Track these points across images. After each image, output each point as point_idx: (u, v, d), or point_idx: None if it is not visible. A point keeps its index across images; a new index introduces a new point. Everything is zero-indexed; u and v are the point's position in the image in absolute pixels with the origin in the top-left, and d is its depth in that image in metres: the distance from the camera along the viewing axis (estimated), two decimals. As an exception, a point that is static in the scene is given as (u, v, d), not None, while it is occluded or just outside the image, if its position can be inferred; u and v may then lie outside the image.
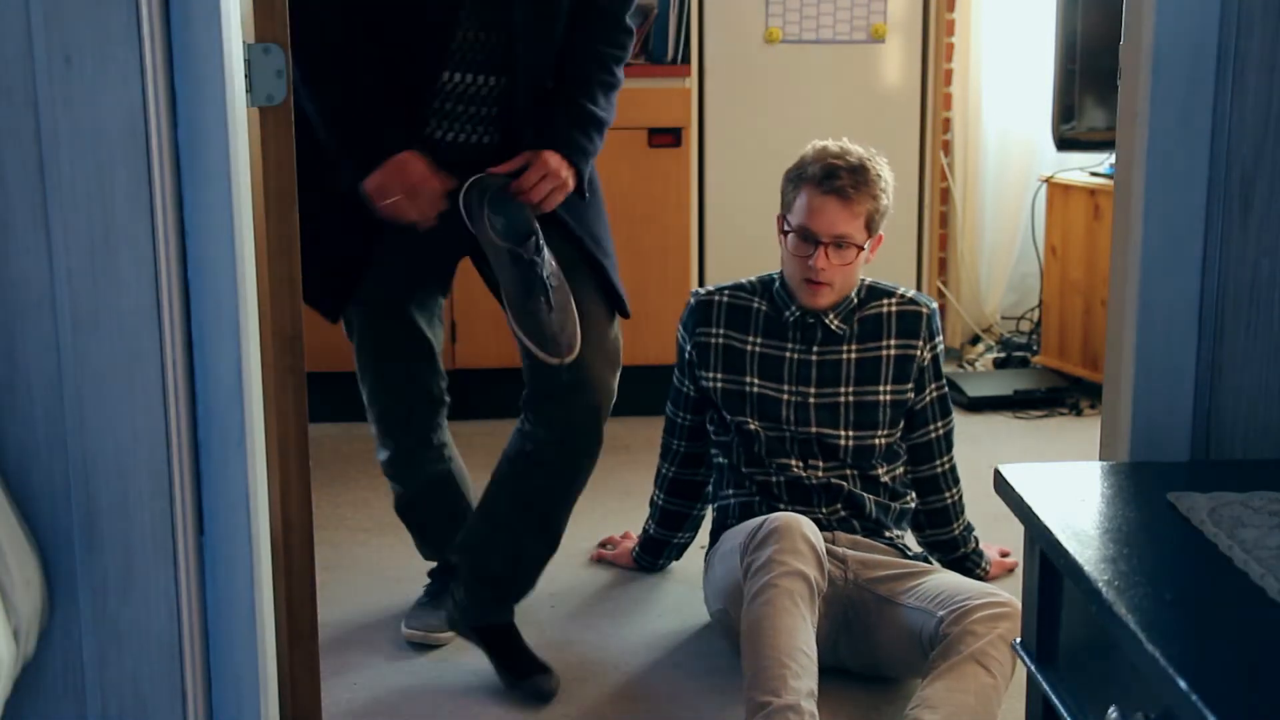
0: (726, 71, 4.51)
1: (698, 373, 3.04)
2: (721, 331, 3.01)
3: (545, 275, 2.58)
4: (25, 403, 1.82)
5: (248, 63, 1.97)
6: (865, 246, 2.91)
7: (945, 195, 5.12)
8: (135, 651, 1.90)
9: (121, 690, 1.91)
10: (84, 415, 1.83)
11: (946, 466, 3.08)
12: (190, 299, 1.88)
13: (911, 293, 3.04)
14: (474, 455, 3.28)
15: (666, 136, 4.36)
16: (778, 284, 3.01)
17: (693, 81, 4.41)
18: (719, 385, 3.00)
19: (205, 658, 1.95)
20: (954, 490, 3.10)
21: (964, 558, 3.13)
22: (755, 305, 3.02)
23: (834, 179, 2.87)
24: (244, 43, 1.94)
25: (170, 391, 1.85)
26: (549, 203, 2.67)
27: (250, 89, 1.98)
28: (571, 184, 2.71)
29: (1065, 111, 4.49)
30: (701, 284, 4.52)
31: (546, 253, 2.61)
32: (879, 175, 2.92)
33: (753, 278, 3.07)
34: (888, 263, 4.65)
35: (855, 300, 2.99)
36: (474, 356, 4.36)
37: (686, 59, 4.41)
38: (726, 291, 3.05)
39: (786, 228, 2.94)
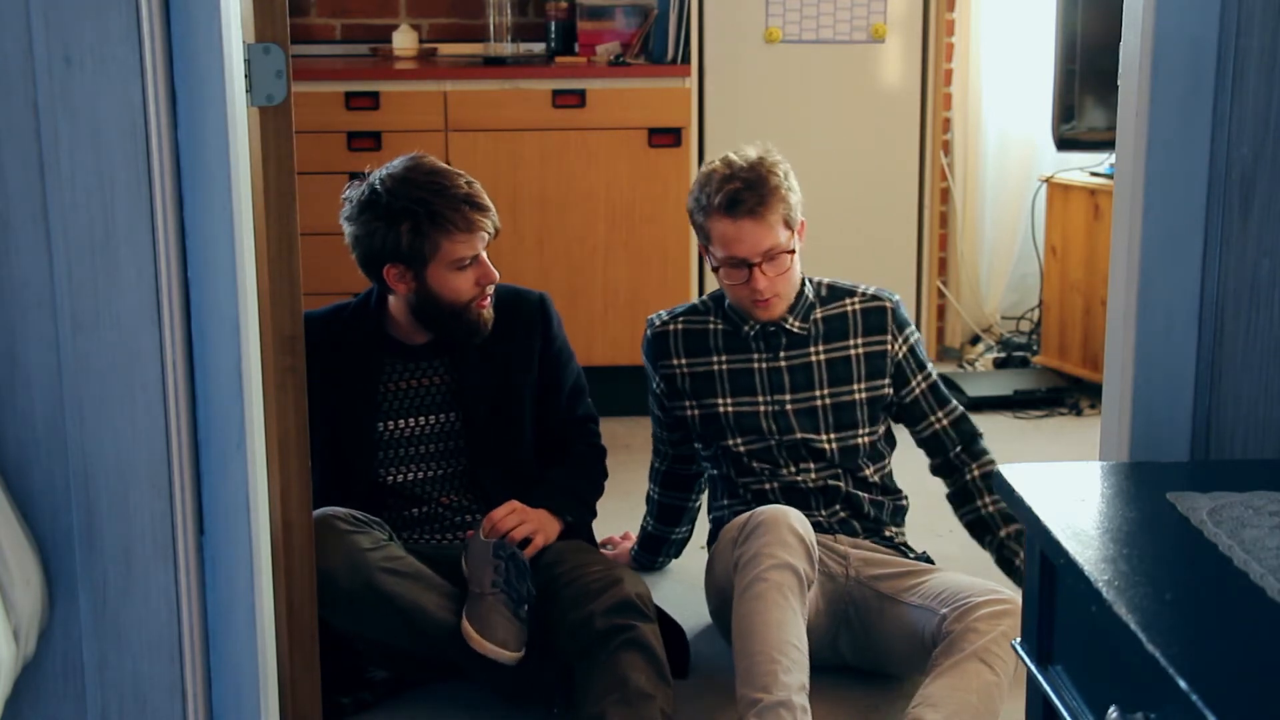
0: (726, 71, 4.51)
1: (668, 404, 3.04)
2: (683, 361, 2.99)
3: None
4: (25, 403, 1.82)
5: (248, 63, 1.97)
6: (793, 246, 2.90)
7: (945, 195, 5.11)
8: (135, 651, 1.90)
9: (121, 690, 1.91)
10: (84, 415, 1.83)
11: (957, 449, 3.00)
12: (190, 299, 1.88)
13: (873, 289, 3.03)
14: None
15: (666, 136, 4.36)
16: (729, 300, 2.99)
17: (693, 81, 4.40)
18: (694, 414, 2.99)
19: (205, 658, 1.95)
20: (972, 469, 3.00)
21: (1005, 542, 2.97)
22: (711, 325, 2.99)
23: (739, 204, 2.82)
24: (244, 43, 1.95)
25: (170, 391, 1.86)
26: (531, 544, 2.83)
27: (250, 89, 1.98)
28: (549, 534, 2.88)
29: (1065, 111, 4.48)
30: (702, 284, 4.51)
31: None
32: (778, 176, 2.86)
33: (704, 297, 3.05)
34: (888, 262, 4.66)
35: (812, 298, 2.97)
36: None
37: (686, 59, 4.41)
38: (680, 318, 3.02)
39: (714, 262, 2.90)
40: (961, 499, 3.03)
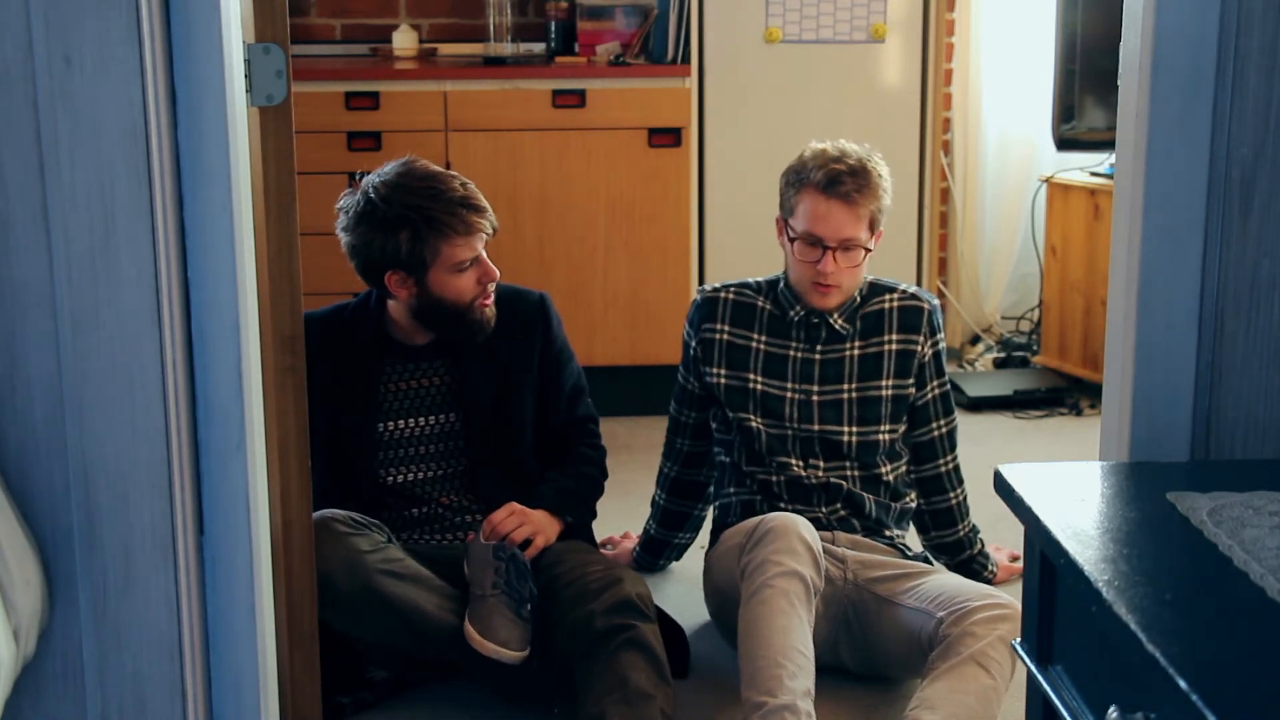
0: (726, 71, 4.51)
1: (702, 368, 3.04)
2: (726, 328, 3.01)
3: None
4: (25, 403, 1.82)
5: (248, 63, 1.97)
6: (870, 246, 2.92)
7: (945, 195, 5.11)
8: (135, 651, 1.90)
9: (121, 690, 1.91)
10: (84, 415, 1.83)
11: (950, 466, 3.08)
12: (190, 299, 1.88)
13: (914, 289, 3.05)
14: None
15: (666, 136, 4.36)
16: (782, 284, 3.01)
17: (693, 81, 4.40)
18: (722, 381, 3.00)
19: (205, 658, 1.95)
20: (958, 490, 3.09)
21: (970, 560, 3.12)
22: (760, 304, 3.02)
23: (838, 184, 2.86)
24: (244, 43, 1.95)
25: (170, 391, 1.85)
26: (531, 546, 2.83)
27: (250, 89, 1.98)
28: (549, 535, 2.88)
29: (1065, 111, 4.48)
30: (702, 284, 4.51)
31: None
32: (879, 175, 2.92)
33: (759, 278, 3.07)
34: (888, 262, 4.65)
35: (858, 298, 2.99)
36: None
37: (686, 59, 4.41)
38: (732, 289, 3.05)
39: (792, 234, 2.93)
40: (944, 520, 3.11)
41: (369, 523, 2.76)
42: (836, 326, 2.97)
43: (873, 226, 2.91)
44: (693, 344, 3.06)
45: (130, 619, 1.89)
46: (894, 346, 2.98)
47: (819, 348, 2.98)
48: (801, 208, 2.90)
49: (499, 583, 2.67)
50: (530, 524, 2.82)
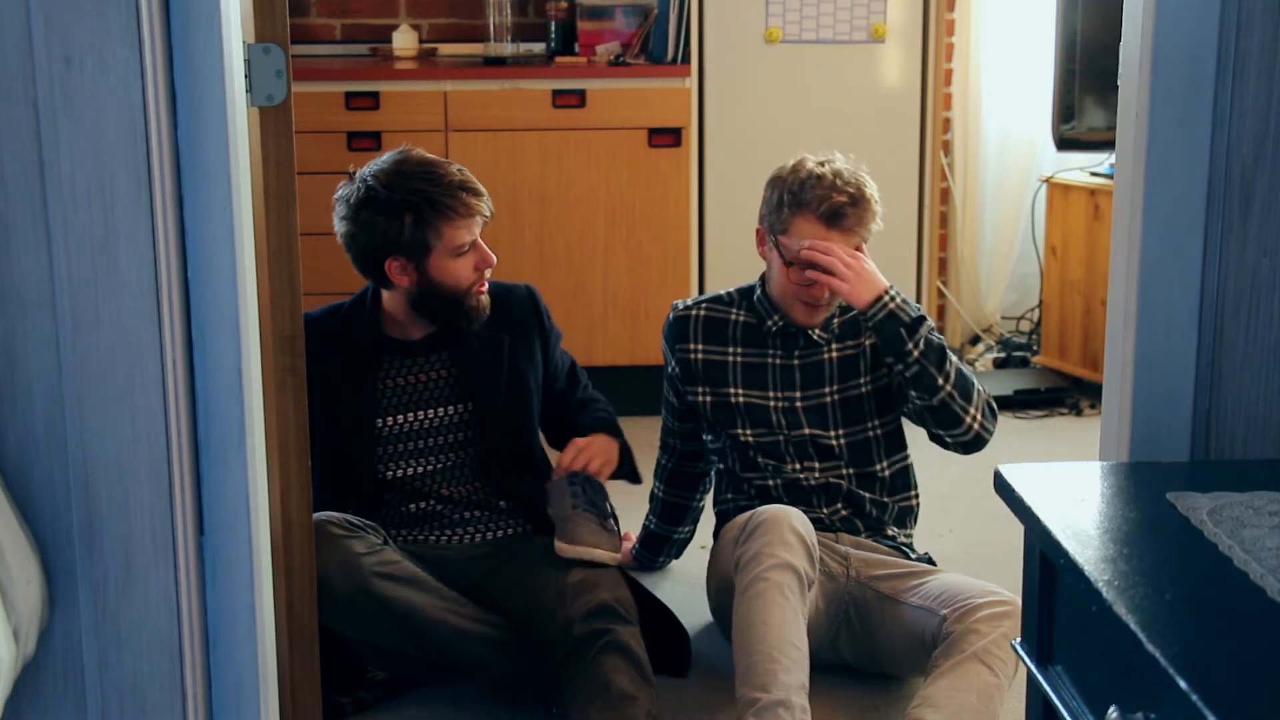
0: (726, 71, 4.51)
1: (683, 388, 3.04)
2: (700, 347, 3.01)
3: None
4: (25, 403, 1.82)
5: (248, 63, 1.97)
6: None
7: (945, 195, 5.12)
8: (135, 651, 1.90)
9: (121, 690, 1.91)
10: (84, 415, 1.83)
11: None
12: (190, 299, 1.88)
13: None
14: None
15: (666, 136, 4.36)
16: (759, 293, 3.00)
17: (693, 81, 4.41)
18: (705, 400, 3.00)
19: (205, 658, 1.95)
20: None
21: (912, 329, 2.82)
22: (733, 316, 3.00)
23: (840, 217, 2.84)
24: (244, 43, 1.95)
25: (170, 391, 1.85)
26: (603, 471, 2.93)
27: (250, 89, 1.98)
28: (612, 456, 2.96)
29: (1065, 111, 4.49)
30: (702, 284, 4.51)
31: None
32: (874, 198, 2.89)
33: (731, 289, 3.06)
34: (888, 263, 4.65)
35: (836, 308, 2.99)
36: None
37: (686, 59, 4.41)
38: (704, 305, 3.04)
39: (786, 256, 2.89)
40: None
41: (365, 525, 2.77)
42: (814, 336, 2.97)
43: (862, 245, 2.89)
44: (671, 363, 3.06)
45: (130, 619, 1.89)
46: (869, 342, 2.97)
47: (797, 353, 2.97)
48: (798, 231, 2.87)
49: (579, 503, 2.76)
50: (592, 454, 2.89)
